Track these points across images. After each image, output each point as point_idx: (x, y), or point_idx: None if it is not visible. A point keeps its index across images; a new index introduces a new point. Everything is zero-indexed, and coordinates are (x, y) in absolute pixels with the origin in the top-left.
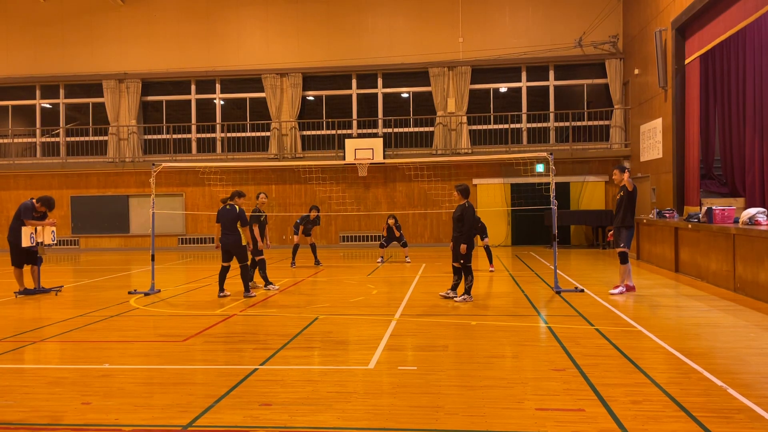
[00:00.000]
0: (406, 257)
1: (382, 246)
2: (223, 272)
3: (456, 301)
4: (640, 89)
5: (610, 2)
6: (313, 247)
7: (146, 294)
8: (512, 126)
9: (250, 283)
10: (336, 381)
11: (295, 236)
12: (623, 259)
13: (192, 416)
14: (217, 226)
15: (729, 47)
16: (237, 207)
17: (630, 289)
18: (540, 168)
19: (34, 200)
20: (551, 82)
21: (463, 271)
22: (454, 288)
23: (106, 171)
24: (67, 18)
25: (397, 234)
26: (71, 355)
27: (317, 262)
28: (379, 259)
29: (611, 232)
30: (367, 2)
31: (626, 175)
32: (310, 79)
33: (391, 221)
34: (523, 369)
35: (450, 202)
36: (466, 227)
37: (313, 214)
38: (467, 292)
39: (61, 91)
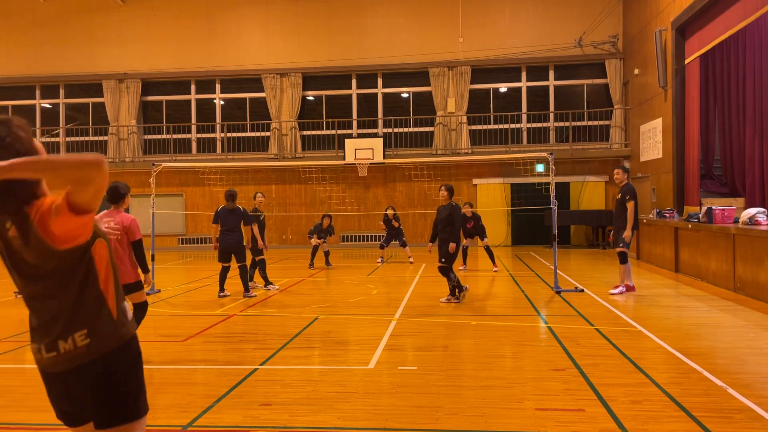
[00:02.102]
0: (409, 258)
1: (382, 246)
2: (224, 272)
3: (441, 302)
4: (640, 89)
5: (610, 2)
6: (326, 254)
7: (146, 294)
8: (512, 126)
9: (249, 283)
10: (336, 381)
11: (311, 239)
12: (623, 259)
13: (192, 416)
14: (215, 226)
15: (729, 47)
16: (240, 206)
17: (630, 289)
18: (540, 168)
19: None
20: (551, 82)
21: (442, 272)
22: (452, 292)
23: None
24: (67, 18)
25: (396, 225)
26: None
27: (328, 263)
28: (379, 260)
29: (612, 233)
30: (367, 2)
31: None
32: (310, 79)
33: (390, 212)
34: (523, 369)
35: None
36: (456, 227)
37: (326, 222)
38: (452, 293)
39: (61, 91)
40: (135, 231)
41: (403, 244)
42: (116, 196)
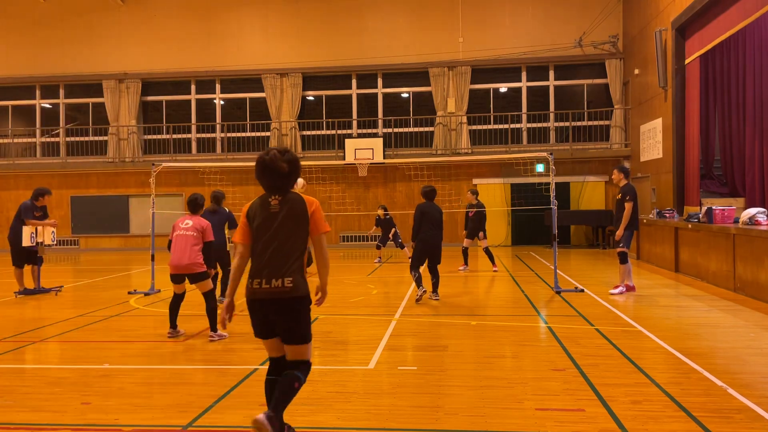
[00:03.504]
0: (409, 258)
1: (378, 247)
2: (214, 278)
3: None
4: (640, 89)
5: (610, 2)
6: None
7: (146, 294)
8: (512, 126)
9: None
10: (336, 381)
11: None
12: (623, 259)
13: (192, 416)
14: None
15: (729, 47)
16: (226, 209)
17: (630, 289)
18: (540, 168)
19: (43, 197)
20: (551, 82)
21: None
22: (434, 290)
23: (106, 171)
24: (67, 18)
25: (390, 232)
26: (71, 355)
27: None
28: (377, 260)
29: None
30: (367, 2)
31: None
32: (310, 79)
33: (380, 211)
34: (523, 369)
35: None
36: (416, 228)
37: None
38: (431, 288)
39: (61, 91)
40: (209, 233)
41: (401, 246)
42: (195, 207)
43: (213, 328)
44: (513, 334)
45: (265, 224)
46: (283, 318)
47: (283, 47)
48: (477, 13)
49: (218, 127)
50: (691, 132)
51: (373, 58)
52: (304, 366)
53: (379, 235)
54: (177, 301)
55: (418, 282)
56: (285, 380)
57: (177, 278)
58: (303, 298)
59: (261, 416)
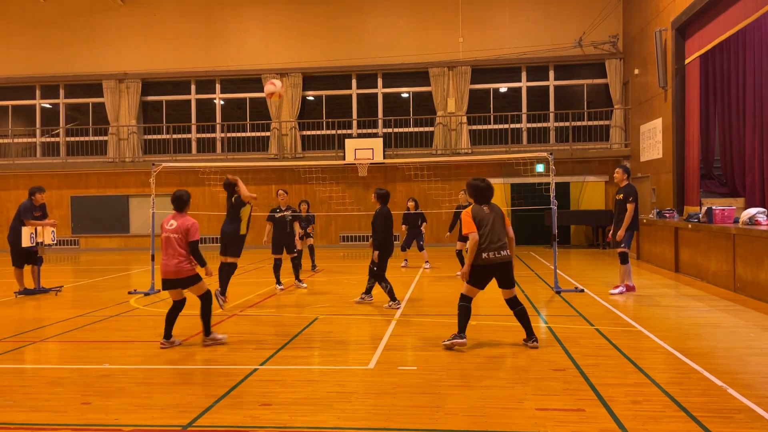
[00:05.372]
0: (426, 263)
1: (403, 248)
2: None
3: (385, 307)
4: (640, 89)
5: (610, 2)
6: (311, 251)
7: (146, 294)
8: (512, 126)
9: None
10: (336, 381)
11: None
12: (623, 259)
13: (192, 416)
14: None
15: (729, 47)
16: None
17: (630, 289)
18: (540, 168)
19: (35, 195)
20: (551, 82)
21: (375, 278)
22: (367, 292)
23: (106, 171)
24: (67, 18)
25: (422, 228)
26: (71, 355)
27: (314, 266)
28: (404, 263)
29: (611, 232)
30: (367, 2)
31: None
32: (310, 79)
33: (411, 204)
34: (523, 369)
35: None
36: (379, 234)
37: (303, 208)
38: (392, 298)
39: (61, 91)
40: (194, 233)
41: (421, 247)
42: (181, 205)
43: (206, 332)
44: (513, 334)
45: (487, 221)
46: (506, 273)
47: (283, 47)
48: (477, 13)
49: (218, 127)
50: (691, 132)
51: (373, 58)
52: (517, 298)
53: (405, 227)
54: (175, 309)
55: (392, 294)
56: (521, 312)
57: (167, 284)
58: (512, 261)
59: (531, 344)
